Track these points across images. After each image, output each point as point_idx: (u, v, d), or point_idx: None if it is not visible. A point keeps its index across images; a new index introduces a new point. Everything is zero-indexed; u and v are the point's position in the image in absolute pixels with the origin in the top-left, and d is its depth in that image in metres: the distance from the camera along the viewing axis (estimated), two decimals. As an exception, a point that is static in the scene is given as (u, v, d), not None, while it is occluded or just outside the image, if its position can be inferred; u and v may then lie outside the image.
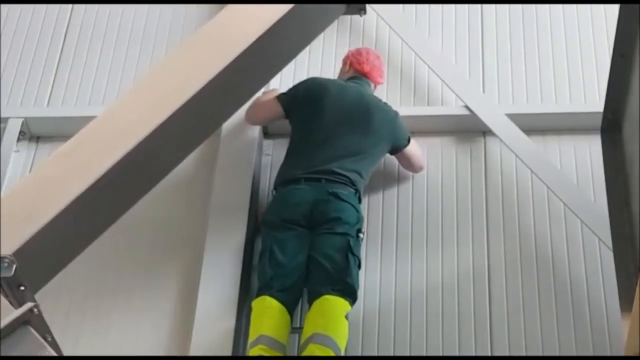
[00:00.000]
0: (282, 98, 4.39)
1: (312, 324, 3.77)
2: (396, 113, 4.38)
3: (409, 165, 4.48)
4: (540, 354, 4.03)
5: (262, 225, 4.17)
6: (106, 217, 2.99)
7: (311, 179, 4.11)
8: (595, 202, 4.31)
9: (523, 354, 4.03)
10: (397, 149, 4.38)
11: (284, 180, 4.18)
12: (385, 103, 4.42)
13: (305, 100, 4.33)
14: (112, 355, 4.01)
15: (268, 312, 3.83)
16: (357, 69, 4.53)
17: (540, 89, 4.77)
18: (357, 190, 4.15)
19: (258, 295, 3.91)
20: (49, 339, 2.51)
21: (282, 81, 4.75)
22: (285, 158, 4.30)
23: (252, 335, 3.79)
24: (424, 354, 4.06)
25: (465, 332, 4.10)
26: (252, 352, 3.72)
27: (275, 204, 4.16)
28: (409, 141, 4.39)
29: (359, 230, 4.05)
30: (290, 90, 4.43)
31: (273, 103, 4.40)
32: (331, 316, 3.78)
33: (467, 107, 4.64)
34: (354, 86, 4.43)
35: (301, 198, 4.07)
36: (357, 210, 4.09)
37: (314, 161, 4.15)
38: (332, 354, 3.67)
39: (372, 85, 4.54)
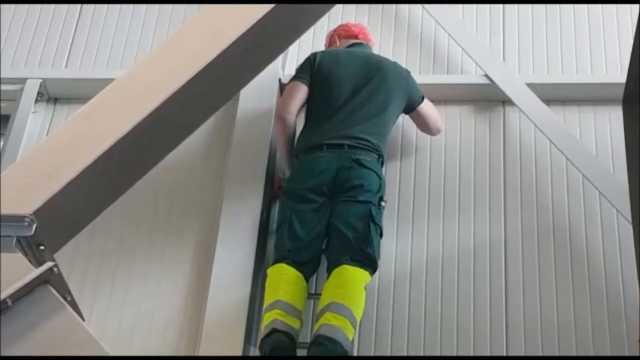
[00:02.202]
0: (302, 78, 4.29)
1: (330, 293, 3.75)
2: (408, 71, 4.38)
3: (426, 126, 4.44)
4: (555, 325, 4.03)
5: (282, 194, 4.13)
6: (125, 179, 2.98)
7: (334, 145, 4.08)
8: (614, 174, 4.29)
9: (538, 325, 4.03)
10: (411, 106, 4.34)
11: (305, 147, 4.15)
12: (395, 62, 4.41)
13: (321, 71, 4.28)
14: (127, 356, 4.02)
15: (284, 278, 3.81)
16: (348, 36, 4.52)
17: (561, 59, 4.74)
18: (380, 156, 4.12)
19: (275, 262, 3.90)
20: (69, 299, 2.52)
21: (301, 49, 4.75)
22: (305, 126, 4.27)
23: (268, 300, 3.78)
24: (438, 324, 4.06)
25: (480, 302, 4.11)
26: (268, 316, 3.70)
27: (297, 172, 4.13)
28: (423, 99, 4.37)
29: (381, 199, 4.02)
30: (303, 69, 4.33)
31: (299, 88, 4.28)
32: (350, 286, 3.76)
33: (486, 76, 4.61)
34: (359, 50, 4.43)
35: (324, 165, 4.03)
36: (380, 178, 4.06)
37: (335, 127, 4.13)
38: (347, 323, 3.65)
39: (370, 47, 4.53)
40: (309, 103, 4.31)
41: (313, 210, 3.98)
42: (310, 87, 4.28)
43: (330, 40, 4.57)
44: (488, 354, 3.97)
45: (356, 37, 4.52)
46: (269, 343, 3.62)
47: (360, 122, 4.13)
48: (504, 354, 3.97)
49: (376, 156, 4.10)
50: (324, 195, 4.00)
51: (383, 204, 4.02)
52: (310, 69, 4.29)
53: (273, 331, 3.64)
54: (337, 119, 4.15)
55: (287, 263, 3.85)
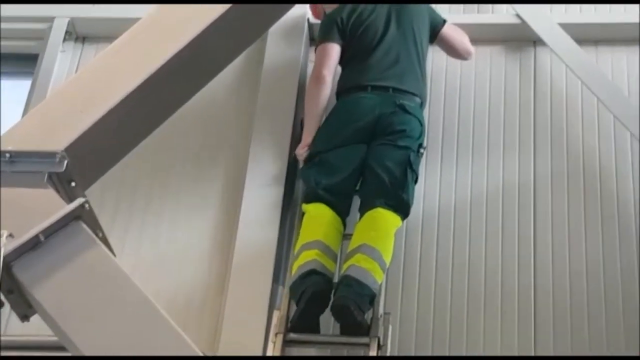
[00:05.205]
0: (332, 38, 4.19)
1: (362, 235, 3.75)
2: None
3: (453, 50, 4.38)
4: (583, 266, 4.02)
5: (320, 131, 4.06)
6: (156, 115, 2.97)
7: (378, 87, 4.05)
8: (646, 115, 4.25)
9: (566, 266, 4.02)
10: (434, 31, 4.30)
11: (349, 87, 4.11)
12: None
13: (349, 23, 4.21)
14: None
15: (325, 219, 3.82)
16: None
17: (594, -2, 4.67)
18: (422, 102, 4.11)
19: (311, 200, 3.89)
20: (100, 235, 2.52)
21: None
22: (343, 70, 4.21)
23: (306, 238, 3.77)
24: (466, 266, 4.06)
25: (509, 243, 4.10)
26: (307, 254, 3.69)
27: (339, 111, 4.09)
28: (444, 22, 4.32)
29: (420, 145, 3.99)
30: (330, 29, 4.22)
31: (331, 48, 4.17)
32: (382, 230, 3.76)
33: (518, 15, 4.54)
34: None
35: (367, 108, 4.00)
36: (422, 124, 4.04)
37: (376, 67, 4.10)
38: (377, 267, 3.66)
39: None
40: (343, 52, 4.22)
41: (350, 150, 3.96)
42: (342, 43, 4.20)
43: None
44: (516, 297, 3.97)
45: None
46: (308, 285, 3.61)
47: (399, 61, 4.11)
48: (532, 296, 3.96)
49: (419, 101, 4.08)
50: (363, 137, 3.98)
51: (422, 150, 4.00)
52: (337, 27, 4.21)
53: (312, 272, 3.64)
54: (375, 58, 4.12)
55: (326, 203, 3.85)
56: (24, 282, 2.39)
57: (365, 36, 4.18)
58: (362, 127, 3.98)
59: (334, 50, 4.18)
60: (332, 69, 4.16)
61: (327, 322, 3.73)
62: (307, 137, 4.09)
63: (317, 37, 4.30)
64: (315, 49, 4.29)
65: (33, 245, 2.42)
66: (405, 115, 3.99)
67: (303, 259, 3.69)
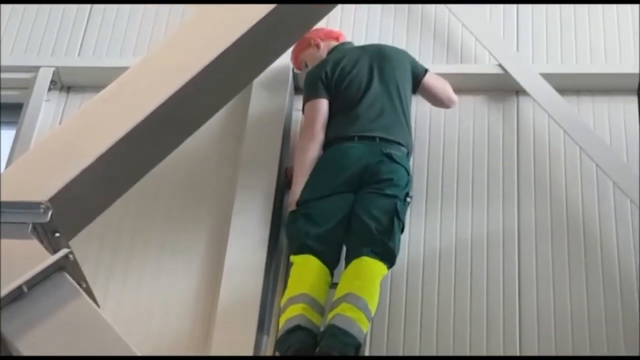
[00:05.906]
0: (319, 95, 4.23)
1: (348, 284, 3.73)
2: (403, 50, 4.44)
3: (436, 99, 4.40)
4: (568, 316, 4.02)
5: (307, 181, 4.04)
6: (141, 166, 2.97)
7: (365, 137, 4.07)
8: (628, 164, 4.28)
9: (551, 315, 4.03)
10: (417, 80, 4.33)
11: (336, 137, 4.12)
12: (387, 45, 4.47)
13: (333, 78, 4.25)
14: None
15: (312, 271, 3.80)
16: (330, 39, 4.52)
17: (575, 49, 4.72)
18: (409, 151, 4.13)
19: (299, 252, 3.88)
20: (84, 286, 2.51)
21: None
22: (330, 121, 4.20)
23: (293, 291, 3.75)
24: (451, 314, 4.06)
25: (493, 291, 4.10)
26: (293, 309, 3.67)
27: (326, 162, 4.08)
28: (426, 72, 4.36)
29: (407, 194, 4.00)
30: (315, 86, 4.25)
31: (319, 105, 4.22)
32: (368, 279, 3.75)
33: (500, 65, 4.59)
34: (350, 47, 4.45)
35: (354, 157, 4.01)
36: (408, 174, 4.05)
37: (362, 117, 4.11)
38: (362, 316, 3.64)
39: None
40: (329, 107, 4.25)
41: (337, 200, 3.96)
42: (329, 98, 4.24)
43: (315, 45, 4.49)
44: (501, 344, 3.97)
45: (337, 39, 4.53)
46: (293, 342, 3.59)
47: (383, 113, 4.13)
48: (517, 344, 3.97)
49: (405, 151, 4.10)
50: (351, 186, 3.98)
51: (409, 199, 4.00)
52: (322, 83, 4.25)
53: (297, 328, 3.62)
54: (360, 110, 4.14)
55: (315, 255, 3.84)
56: (7, 334, 2.37)
57: (349, 90, 4.21)
58: (349, 177, 3.99)
59: (323, 105, 4.21)
60: (324, 126, 4.18)
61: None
62: (295, 196, 4.06)
63: (304, 95, 4.32)
64: (303, 107, 4.32)
65: (16, 296, 2.40)
66: (392, 164, 4.00)
67: (289, 314, 3.67)
